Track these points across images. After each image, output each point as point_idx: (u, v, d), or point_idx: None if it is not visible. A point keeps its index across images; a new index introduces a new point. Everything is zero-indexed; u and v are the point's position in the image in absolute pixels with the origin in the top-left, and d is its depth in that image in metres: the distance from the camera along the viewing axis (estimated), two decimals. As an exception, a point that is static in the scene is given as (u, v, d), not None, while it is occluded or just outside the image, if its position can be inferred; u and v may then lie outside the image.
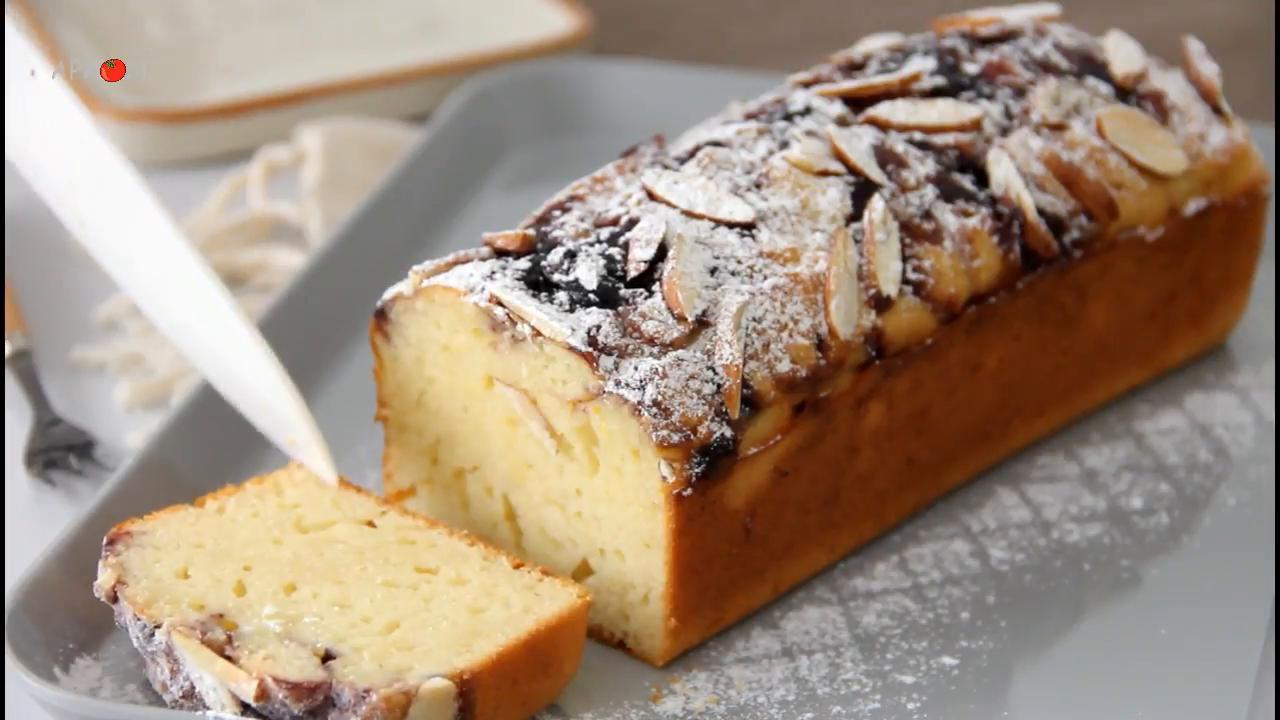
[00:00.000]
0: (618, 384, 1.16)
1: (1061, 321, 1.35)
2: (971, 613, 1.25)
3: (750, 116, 1.32)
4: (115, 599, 1.16)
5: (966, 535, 1.31)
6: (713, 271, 1.20)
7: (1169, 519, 1.33)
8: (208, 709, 1.11)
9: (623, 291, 1.18)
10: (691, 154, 1.28)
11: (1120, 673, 1.21)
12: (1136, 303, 1.39)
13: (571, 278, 1.19)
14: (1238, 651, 1.22)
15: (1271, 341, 1.48)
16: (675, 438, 1.15)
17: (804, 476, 1.22)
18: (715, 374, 1.17)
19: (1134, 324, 1.40)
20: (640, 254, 1.20)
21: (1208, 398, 1.44)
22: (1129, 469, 1.37)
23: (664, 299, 1.18)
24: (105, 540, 1.18)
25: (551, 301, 1.18)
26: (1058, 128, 1.34)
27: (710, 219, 1.23)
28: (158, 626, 1.13)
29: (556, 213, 1.25)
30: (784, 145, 1.28)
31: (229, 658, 1.11)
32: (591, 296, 1.18)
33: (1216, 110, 1.41)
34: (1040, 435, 1.38)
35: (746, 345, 1.18)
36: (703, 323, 1.19)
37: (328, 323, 1.45)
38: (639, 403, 1.15)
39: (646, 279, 1.20)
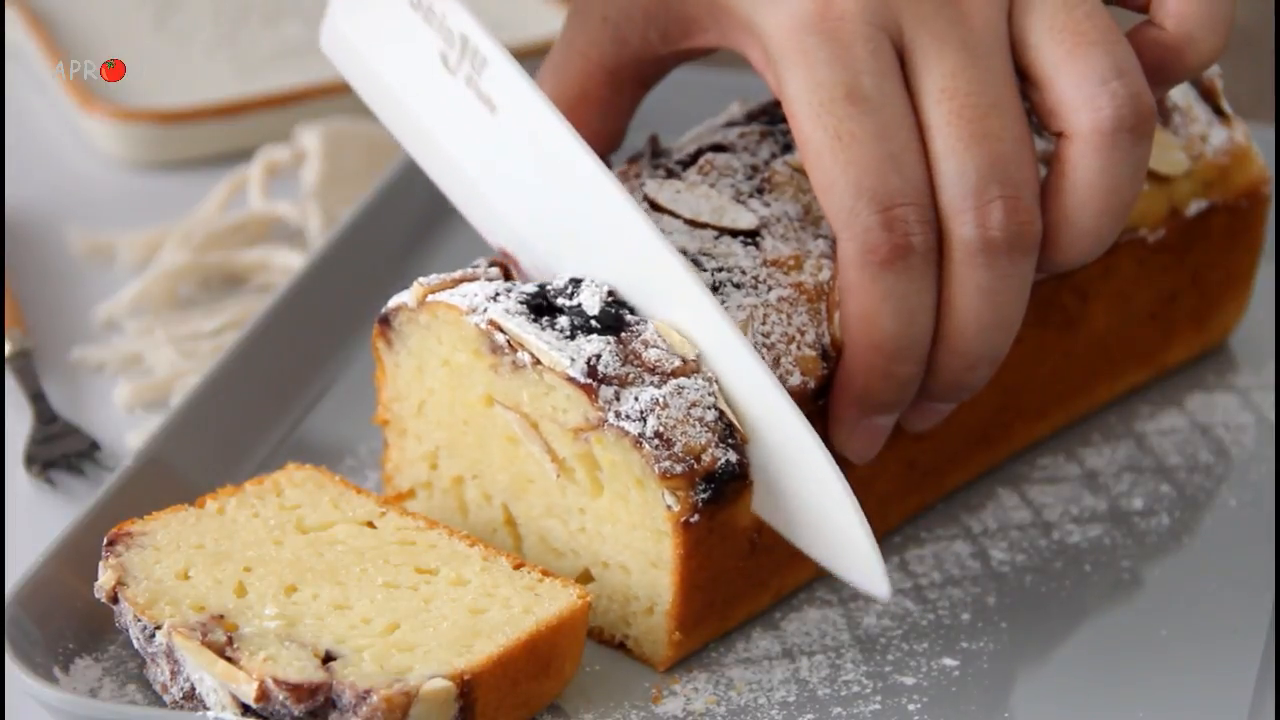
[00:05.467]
0: (618, 415, 1.15)
1: (1063, 323, 1.35)
2: (972, 614, 1.24)
3: (752, 117, 1.32)
4: (115, 600, 1.16)
5: (967, 536, 1.31)
6: (716, 289, 1.20)
7: (1170, 520, 1.33)
8: (208, 710, 1.11)
9: (627, 317, 1.18)
10: (693, 158, 1.27)
11: (1120, 673, 1.21)
12: (1137, 304, 1.39)
13: (575, 303, 1.18)
14: (1238, 651, 1.22)
15: (1272, 342, 1.48)
16: (678, 468, 1.14)
17: (808, 486, 1.22)
18: (717, 398, 1.17)
19: (1135, 325, 1.40)
20: None
21: (1209, 398, 1.44)
22: (1130, 470, 1.37)
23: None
24: (105, 541, 1.18)
25: (553, 327, 1.17)
26: (1059, 128, 1.34)
27: (715, 228, 1.23)
28: (158, 627, 1.13)
29: (562, 223, 1.25)
30: (786, 148, 1.28)
31: (229, 659, 1.11)
32: (594, 323, 1.17)
33: (1218, 111, 1.41)
34: (1041, 437, 1.38)
35: None
36: None
37: (328, 323, 1.45)
38: (640, 435, 1.14)
39: None
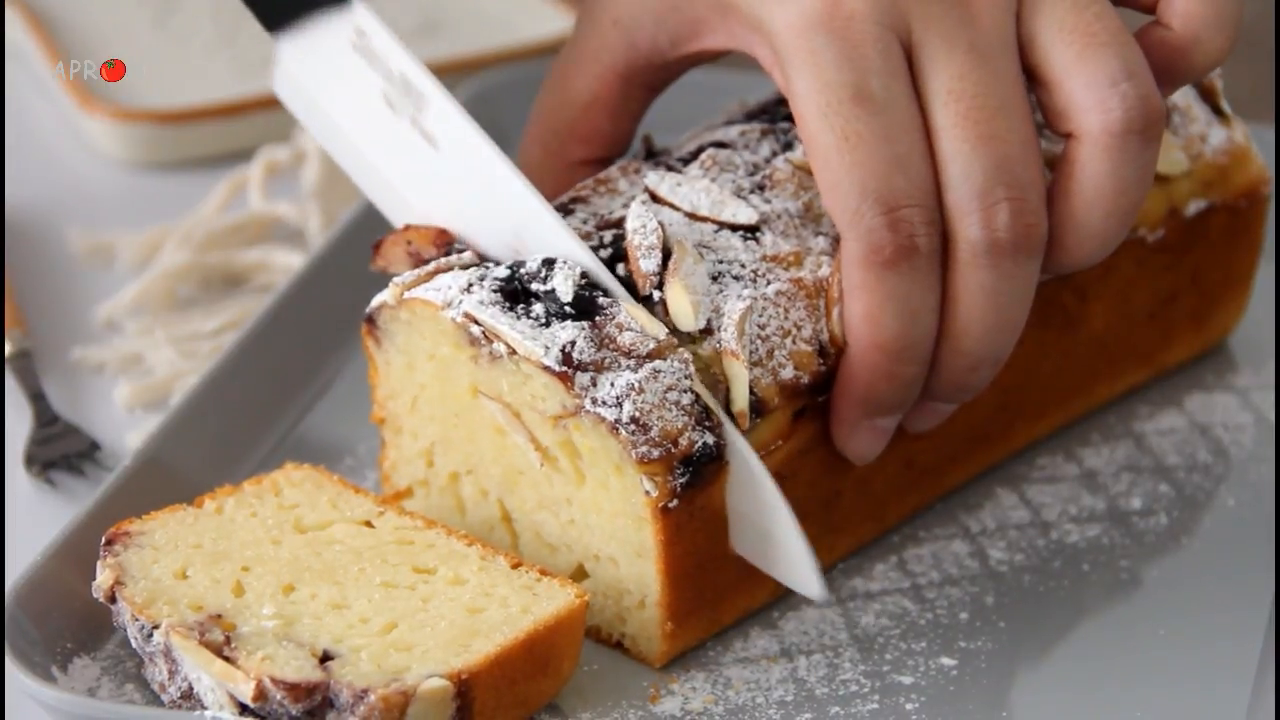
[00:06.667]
0: (594, 402, 1.15)
1: (1062, 323, 1.35)
2: (970, 613, 1.24)
3: (752, 115, 1.32)
4: (114, 599, 1.16)
5: (965, 536, 1.31)
6: (715, 278, 1.20)
7: (1168, 519, 1.33)
8: (206, 709, 1.11)
9: (600, 301, 1.18)
10: (694, 155, 1.28)
11: (1120, 673, 1.21)
12: (1137, 304, 1.39)
13: (549, 288, 1.18)
14: (1237, 652, 1.22)
15: (1272, 342, 1.48)
16: (655, 453, 1.14)
17: (803, 480, 1.22)
18: (693, 381, 1.17)
19: (1134, 325, 1.40)
20: (647, 265, 1.19)
21: (1208, 398, 1.44)
22: (1129, 469, 1.37)
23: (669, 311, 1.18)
24: (104, 540, 1.18)
25: (529, 314, 1.17)
26: (1059, 128, 1.34)
27: (714, 221, 1.23)
28: (156, 627, 1.13)
29: (560, 215, 1.25)
30: (787, 146, 1.28)
31: (227, 658, 1.11)
32: (567, 310, 1.17)
33: (1217, 111, 1.41)
34: (1040, 436, 1.38)
35: (751, 352, 1.18)
36: (705, 331, 1.18)
37: (327, 322, 1.45)
38: (616, 420, 1.14)
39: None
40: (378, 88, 1.25)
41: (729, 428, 1.17)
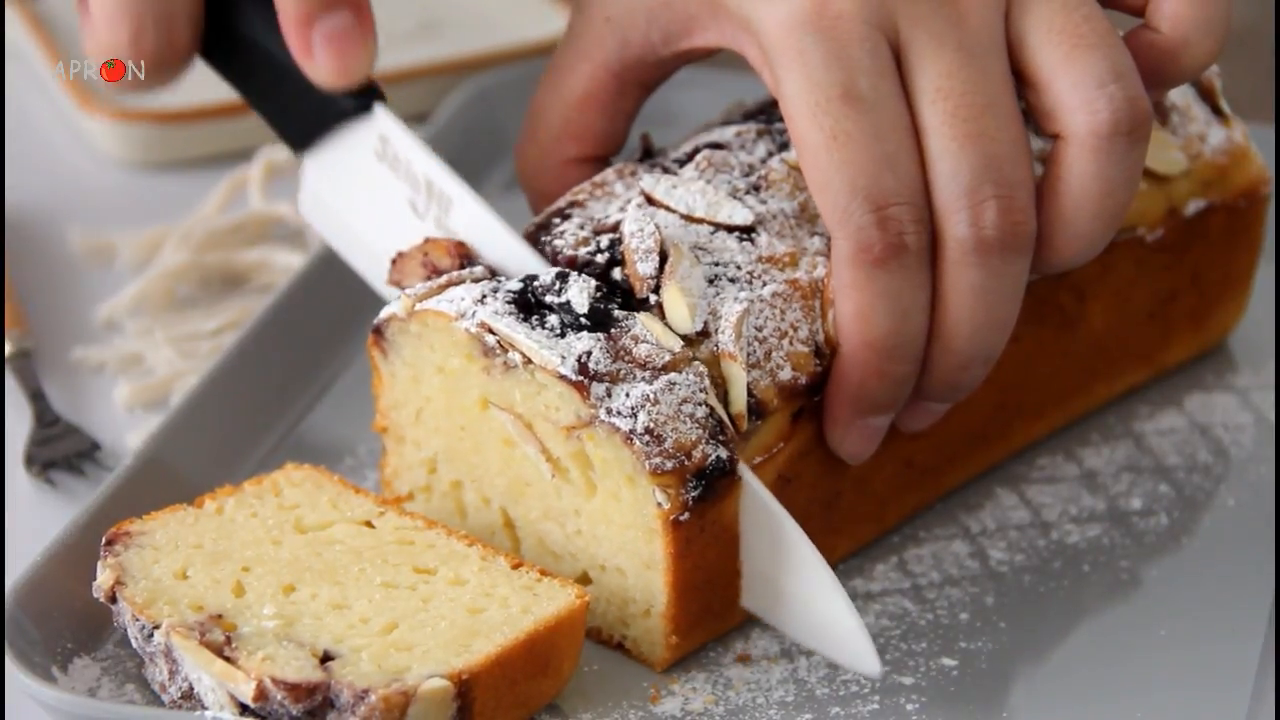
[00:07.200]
0: (609, 412, 1.15)
1: (1061, 323, 1.35)
2: (970, 614, 1.24)
3: (749, 116, 1.32)
4: (114, 599, 1.16)
5: (965, 536, 1.31)
6: (711, 281, 1.20)
7: (1168, 520, 1.33)
8: (206, 709, 1.11)
9: (616, 313, 1.18)
10: (690, 156, 1.28)
11: (1120, 673, 1.21)
12: (1136, 303, 1.39)
13: (564, 299, 1.18)
14: (1237, 652, 1.22)
15: (1271, 342, 1.48)
16: (669, 465, 1.14)
17: (804, 482, 1.22)
18: (708, 394, 1.17)
19: (1134, 325, 1.40)
20: (644, 269, 1.19)
21: (1208, 398, 1.44)
22: (1128, 470, 1.37)
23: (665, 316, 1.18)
24: (104, 540, 1.18)
25: (543, 325, 1.17)
26: (1057, 128, 1.34)
27: (710, 223, 1.23)
28: (156, 627, 1.13)
29: (556, 220, 1.25)
30: (783, 147, 1.28)
31: (228, 658, 1.11)
32: (583, 321, 1.17)
33: (1216, 110, 1.41)
34: (1040, 436, 1.38)
35: (749, 354, 1.18)
36: (702, 334, 1.18)
37: (328, 323, 1.45)
38: (631, 431, 1.14)
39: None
40: (403, 195, 1.26)
41: (748, 474, 1.17)
